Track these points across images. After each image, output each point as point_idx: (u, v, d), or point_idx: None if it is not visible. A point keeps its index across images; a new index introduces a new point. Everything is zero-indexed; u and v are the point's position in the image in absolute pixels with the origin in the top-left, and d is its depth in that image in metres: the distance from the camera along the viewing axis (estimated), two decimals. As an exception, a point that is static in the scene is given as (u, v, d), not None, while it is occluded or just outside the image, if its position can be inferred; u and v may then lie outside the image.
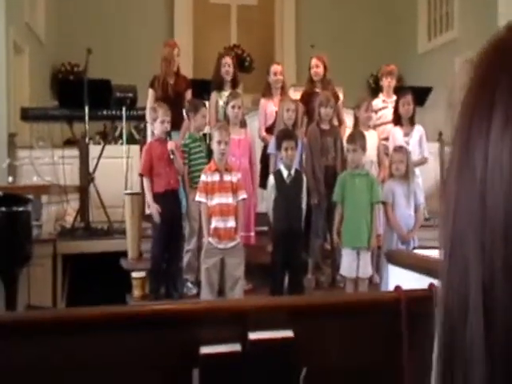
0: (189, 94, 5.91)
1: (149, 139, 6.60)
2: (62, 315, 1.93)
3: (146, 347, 1.81)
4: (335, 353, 1.87)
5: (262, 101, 6.09)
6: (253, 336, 1.81)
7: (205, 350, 1.80)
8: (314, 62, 6.13)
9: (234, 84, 5.95)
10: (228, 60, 5.96)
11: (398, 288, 1.94)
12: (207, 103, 5.82)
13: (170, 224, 5.01)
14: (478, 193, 0.37)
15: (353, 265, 4.98)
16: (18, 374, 1.77)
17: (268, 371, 1.81)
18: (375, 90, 8.96)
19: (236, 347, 1.80)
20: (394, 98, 6.23)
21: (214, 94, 5.91)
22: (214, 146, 4.81)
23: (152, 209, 5.04)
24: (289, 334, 1.83)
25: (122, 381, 1.83)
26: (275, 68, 6.07)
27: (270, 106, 5.98)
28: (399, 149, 5.26)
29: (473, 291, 0.37)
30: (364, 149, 5.13)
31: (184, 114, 5.67)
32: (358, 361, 1.89)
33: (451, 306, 0.39)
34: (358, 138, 5.18)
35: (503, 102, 0.37)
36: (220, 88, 5.90)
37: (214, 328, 1.82)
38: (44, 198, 6.17)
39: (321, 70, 6.08)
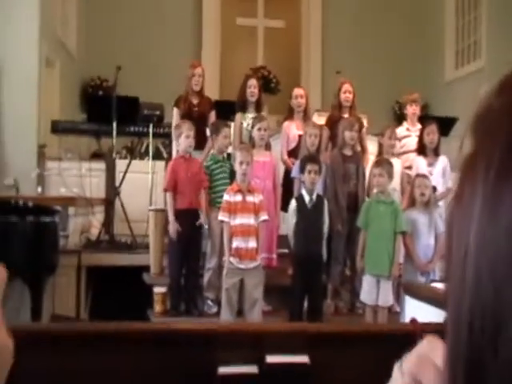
0: (212, 116, 6.02)
1: (174, 156, 6.73)
2: (87, 329, 2.01)
3: (165, 365, 1.88)
4: (349, 381, 1.92)
5: (285, 124, 6.16)
6: (270, 359, 1.87)
7: (223, 370, 1.86)
8: (346, 87, 6.17)
9: (259, 106, 6.04)
10: (253, 82, 6.06)
11: (413, 320, 1.99)
12: (232, 124, 5.93)
13: (188, 241, 5.09)
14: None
15: (373, 292, 4.99)
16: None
17: (283, 394, 1.87)
18: (400, 117, 9.00)
19: (253, 369, 1.86)
20: (419, 126, 6.27)
21: (238, 116, 6.00)
22: (237, 167, 4.91)
23: (171, 225, 5.12)
24: (305, 359, 1.88)
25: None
26: (297, 91, 6.15)
27: (292, 129, 6.05)
28: (422, 175, 5.27)
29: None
30: (391, 176, 5.14)
31: (207, 134, 5.78)
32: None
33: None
34: (385, 163, 5.21)
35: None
36: (244, 109, 5.99)
37: (232, 349, 1.88)
38: (71, 210, 6.31)
39: (352, 96, 6.14)
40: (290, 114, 6.17)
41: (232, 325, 2.75)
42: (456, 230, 0.39)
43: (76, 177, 6.74)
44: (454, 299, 0.39)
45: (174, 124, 5.94)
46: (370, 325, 4.25)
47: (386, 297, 4.98)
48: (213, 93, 7.44)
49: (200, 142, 5.58)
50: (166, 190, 5.29)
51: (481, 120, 0.39)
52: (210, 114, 6.01)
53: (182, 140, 5.24)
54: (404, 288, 3.13)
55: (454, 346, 0.39)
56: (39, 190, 6.73)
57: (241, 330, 1.97)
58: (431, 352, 0.50)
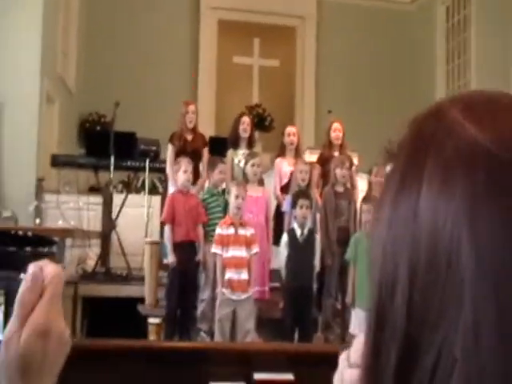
0: (206, 152, 6.21)
1: (170, 191, 6.89)
2: (82, 345, 2.14)
3: (158, 380, 2.01)
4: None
5: (277, 160, 6.36)
6: (257, 376, 2.00)
7: (213, 386, 1.99)
8: (335, 125, 6.42)
9: (250, 143, 6.25)
10: (246, 119, 6.29)
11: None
12: (225, 160, 6.11)
13: (185, 274, 5.22)
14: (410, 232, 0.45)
15: (362, 325, 5.08)
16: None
17: (269, 409, 2.00)
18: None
19: (242, 385, 2.00)
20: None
21: (229, 152, 6.19)
22: (231, 200, 5.07)
23: (169, 257, 5.26)
24: (290, 377, 2.02)
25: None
26: (289, 129, 6.38)
27: (284, 166, 6.24)
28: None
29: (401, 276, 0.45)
30: (379, 212, 5.31)
31: (200, 170, 5.96)
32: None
33: (382, 287, 0.47)
34: (373, 200, 5.40)
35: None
36: (236, 146, 6.19)
37: (222, 366, 2.02)
38: (68, 242, 6.42)
39: (341, 134, 6.37)
40: (281, 151, 6.37)
41: (222, 343, 2.88)
42: (374, 231, 0.51)
43: (73, 210, 6.87)
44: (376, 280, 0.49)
45: (168, 160, 6.13)
46: (348, 345, 4.34)
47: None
48: (208, 130, 7.63)
49: (193, 178, 5.74)
50: (164, 223, 5.44)
51: (394, 149, 0.53)
52: (204, 150, 6.20)
53: (180, 175, 5.41)
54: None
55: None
56: (37, 221, 6.86)
57: (230, 349, 2.11)
58: None
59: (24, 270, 0.72)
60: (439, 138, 0.46)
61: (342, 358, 0.63)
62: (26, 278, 0.71)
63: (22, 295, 0.70)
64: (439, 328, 0.43)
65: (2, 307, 0.67)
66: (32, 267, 0.71)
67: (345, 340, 5.56)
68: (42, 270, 0.71)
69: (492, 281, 0.41)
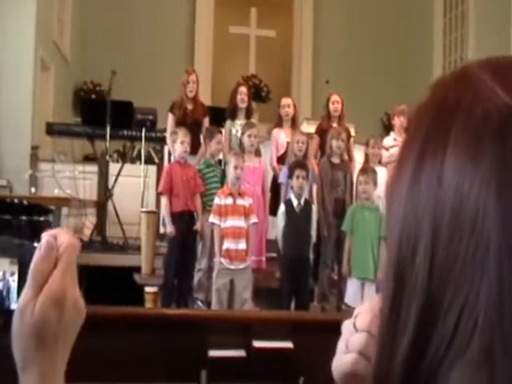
0: (206, 121, 6.17)
1: (165, 161, 6.87)
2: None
3: (159, 348, 2.02)
4: (330, 364, 2.06)
5: (274, 131, 6.34)
6: (257, 344, 2.02)
7: (213, 353, 2.01)
8: (334, 97, 6.39)
9: (248, 113, 6.21)
10: (244, 89, 6.25)
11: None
12: (223, 130, 6.09)
13: (184, 243, 5.23)
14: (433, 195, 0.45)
15: (357, 295, 5.15)
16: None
17: (269, 376, 2.02)
18: (389, 127, 9.19)
19: (241, 353, 2.01)
20: (405, 136, 6.45)
21: (228, 123, 6.16)
22: (230, 171, 5.06)
23: (168, 228, 5.26)
24: (289, 345, 2.04)
25: (135, 376, 2.03)
26: (284, 101, 6.35)
27: (281, 137, 6.22)
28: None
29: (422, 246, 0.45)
30: (375, 183, 5.33)
31: (201, 139, 5.93)
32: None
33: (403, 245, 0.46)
34: (370, 171, 5.40)
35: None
36: (234, 117, 6.16)
37: (221, 334, 2.03)
38: (64, 211, 6.41)
39: (340, 106, 6.34)
40: (278, 122, 6.35)
41: (222, 312, 2.90)
42: (394, 191, 0.50)
43: (69, 179, 6.84)
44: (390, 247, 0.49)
45: (168, 130, 6.09)
46: (349, 313, 4.39)
47: (370, 300, 5.12)
48: (205, 100, 7.58)
49: (194, 147, 5.71)
50: (161, 193, 5.43)
51: (414, 114, 0.52)
52: (204, 119, 6.16)
53: (178, 146, 5.38)
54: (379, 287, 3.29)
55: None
56: (32, 190, 6.84)
57: (230, 317, 2.12)
58: None
59: (38, 239, 0.71)
60: (467, 102, 0.45)
61: (346, 325, 0.65)
62: (39, 247, 0.70)
63: (36, 264, 0.70)
64: (461, 290, 0.43)
65: (16, 276, 0.66)
66: (46, 236, 0.71)
67: (340, 310, 5.61)
68: (55, 239, 0.71)
69: None
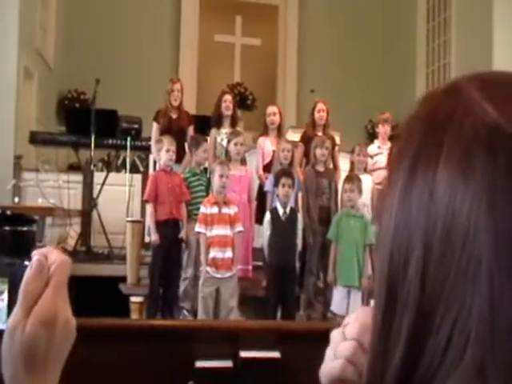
0: (191, 130, 6.17)
1: (151, 169, 6.85)
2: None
3: (146, 358, 2.01)
4: (317, 374, 2.06)
5: (260, 139, 6.35)
6: (243, 354, 2.01)
7: (200, 364, 2.00)
8: (320, 106, 6.41)
9: (234, 121, 6.22)
10: (228, 97, 6.26)
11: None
12: (209, 139, 6.08)
13: (169, 252, 5.21)
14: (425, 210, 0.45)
15: (343, 303, 5.16)
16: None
17: (256, 387, 2.01)
18: (373, 135, 9.24)
19: (228, 363, 2.00)
20: (389, 145, 6.50)
21: (213, 131, 6.16)
22: (216, 180, 5.05)
23: (152, 235, 5.24)
24: (276, 354, 2.03)
25: (123, 388, 2.02)
26: (270, 109, 6.36)
27: (267, 145, 6.23)
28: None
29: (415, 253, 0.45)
30: (360, 191, 5.36)
31: (186, 148, 5.93)
32: None
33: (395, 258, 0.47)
34: (355, 179, 5.42)
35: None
36: (219, 125, 6.16)
37: (208, 345, 2.02)
38: (48, 220, 6.36)
39: (325, 114, 6.37)
40: (264, 131, 6.35)
41: (208, 322, 2.89)
42: (384, 203, 0.50)
43: (53, 188, 6.79)
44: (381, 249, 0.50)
45: (153, 138, 6.08)
46: (335, 323, 4.39)
47: (356, 308, 5.13)
48: (190, 108, 7.58)
49: (179, 156, 5.71)
50: (146, 201, 5.41)
51: (404, 127, 0.52)
52: (189, 128, 6.16)
53: (163, 154, 5.37)
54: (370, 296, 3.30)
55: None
56: (16, 200, 6.77)
57: (217, 327, 2.11)
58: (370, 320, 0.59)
59: (28, 258, 0.70)
60: (457, 118, 0.46)
61: (335, 334, 0.65)
62: (30, 266, 0.69)
63: (26, 283, 0.68)
64: (453, 304, 0.43)
65: (5, 295, 0.65)
66: (37, 255, 0.70)
67: (326, 317, 5.62)
68: (46, 258, 0.70)
69: (511, 260, 0.41)
